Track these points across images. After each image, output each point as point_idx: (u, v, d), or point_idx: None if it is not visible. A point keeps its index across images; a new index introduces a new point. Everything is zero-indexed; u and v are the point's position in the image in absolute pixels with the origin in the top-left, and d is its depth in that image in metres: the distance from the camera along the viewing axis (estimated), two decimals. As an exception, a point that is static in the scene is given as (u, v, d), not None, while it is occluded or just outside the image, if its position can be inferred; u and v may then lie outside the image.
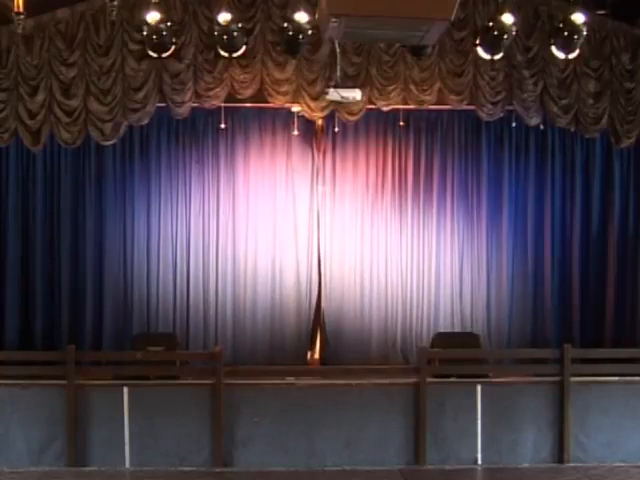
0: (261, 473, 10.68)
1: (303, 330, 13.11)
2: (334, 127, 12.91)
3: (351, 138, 13.24)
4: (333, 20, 7.08)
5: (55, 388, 10.78)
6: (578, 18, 11.08)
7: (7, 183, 12.70)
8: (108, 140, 11.89)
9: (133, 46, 11.63)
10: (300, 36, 11.03)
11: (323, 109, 12.03)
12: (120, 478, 10.61)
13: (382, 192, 13.33)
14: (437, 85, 12.10)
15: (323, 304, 13.15)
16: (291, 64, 11.77)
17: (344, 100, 11.52)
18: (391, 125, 13.22)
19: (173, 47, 11.25)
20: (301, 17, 10.98)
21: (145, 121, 11.97)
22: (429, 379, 11.10)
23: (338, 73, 11.48)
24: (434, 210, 13.33)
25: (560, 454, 11.03)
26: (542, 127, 12.88)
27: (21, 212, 12.73)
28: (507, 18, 11.01)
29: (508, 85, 12.17)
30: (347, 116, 12.14)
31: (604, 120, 12.28)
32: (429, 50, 11.44)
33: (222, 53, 11.33)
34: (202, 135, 13.11)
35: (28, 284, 12.68)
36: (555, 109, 12.23)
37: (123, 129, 11.90)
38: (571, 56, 11.44)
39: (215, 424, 10.78)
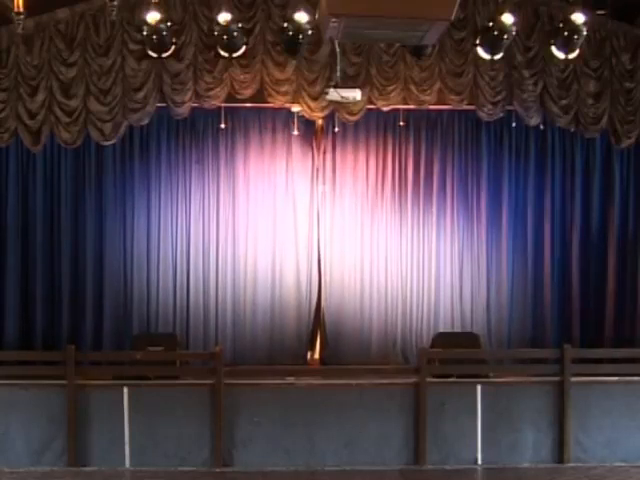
0: (261, 473, 10.68)
1: (303, 330, 13.11)
2: (334, 127, 12.91)
3: (351, 138, 13.23)
4: (333, 20, 7.09)
5: (55, 388, 10.78)
6: (578, 18, 11.08)
7: (7, 183, 12.70)
8: (108, 140, 11.91)
9: (133, 46, 11.64)
10: (300, 36, 11.03)
11: (323, 109, 12.04)
12: (120, 478, 10.61)
13: (382, 192, 13.33)
14: (437, 85, 12.12)
15: (323, 304, 13.16)
16: (291, 64, 11.78)
17: (344, 100, 11.52)
18: (391, 125, 13.22)
19: (173, 47, 11.26)
20: (301, 17, 10.98)
21: (145, 121, 11.99)
22: (429, 379, 11.10)
23: (338, 73, 11.48)
24: (434, 210, 13.33)
25: (560, 454, 11.03)
26: (542, 127, 12.88)
27: (21, 212, 12.72)
28: (507, 18, 11.01)
29: (508, 85, 12.18)
30: (347, 116, 12.15)
31: (604, 120, 12.29)
32: (429, 50, 11.46)
33: (222, 53, 11.33)
34: (202, 135, 13.11)
35: (28, 284, 12.68)
36: (555, 109, 12.23)
37: (123, 129, 11.91)
38: (571, 56, 11.44)
39: (215, 424, 10.78)
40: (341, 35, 7.72)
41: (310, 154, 13.22)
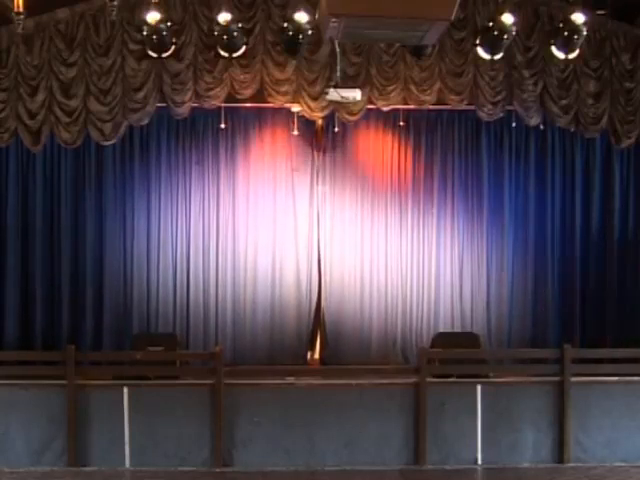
0: (261, 473, 10.68)
1: (303, 330, 13.11)
2: (334, 127, 12.90)
3: (351, 138, 13.24)
4: (333, 20, 7.09)
5: (55, 388, 10.78)
6: (578, 18, 11.09)
7: (7, 183, 12.71)
8: (108, 140, 11.91)
9: (133, 46, 11.65)
10: (300, 36, 11.04)
11: (323, 109, 12.04)
12: (120, 478, 10.61)
13: (382, 192, 13.33)
14: (437, 85, 12.11)
15: (323, 304, 13.16)
16: (291, 64, 11.78)
17: (344, 100, 11.52)
18: (391, 125, 13.22)
19: (173, 47, 11.26)
20: (301, 17, 10.98)
21: (145, 121, 11.99)
22: (429, 379, 11.09)
23: (338, 73, 11.47)
24: (434, 210, 13.33)
25: (560, 454, 11.02)
26: (542, 127, 12.88)
27: (21, 212, 12.73)
28: (507, 18, 11.01)
29: (508, 85, 12.18)
30: (347, 116, 12.15)
31: (604, 120, 12.29)
32: (429, 50, 11.45)
33: (222, 53, 11.34)
34: (202, 135, 13.11)
35: (28, 284, 12.68)
36: (555, 109, 12.23)
37: (123, 129, 11.91)
38: (571, 56, 11.44)
39: (215, 424, 10.78)
40: (341, 35, 7.71)
41: (310, 154, 13.22)
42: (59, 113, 11.65)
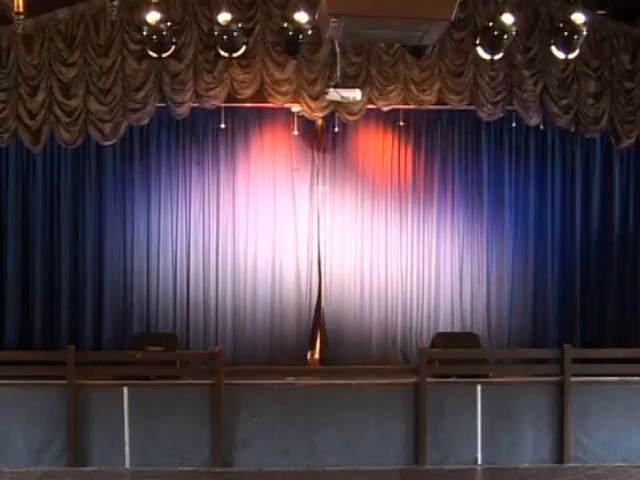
0: (261, 473, 10.68)
1: (303, 330, 13.11)
2: (334, 127, 12.91)
3: (351, 138, 13.24)
4: (333, 20, 7.08)
5: (55, 388, 10.79)
6: (578, 18, 11.09)
7: (7, 183, 12.72)
8: (108, 140, 11.91)
9: (133, 46, 11.65)
10: (300, 36, 11.05)
11: (323, 109, 12.04)
12: (120, 478, 10.61)
13: (382, 192, 13.33)
14: (437, 85, 12.11)
15: (323, 304, 13.16)
16: (291, 64, 11.78)
17: (344, 100, 11.52)
18: (391, 125, 13.22)
19: (173, 47, 11.27)
20: (301, 17, 11.00)
21: (145, 121, 11.99)
22: (429, 379, 11.09)
23: (338, 73, 11.48)
24: (434, 210, 13.33)
25: (560, 454, 11.02)
26: (542, 127, 12.88)
27: (21, 212, 12.74)
28: (507, 18, 11.01)
29: (508, 85, 12.18)
30: (347, 116, 12.15)
31: (604, 120, 12.29)
32: (429, 50, 11.44)
33: (222, 53, 11.35)
34: (202, 135, 13.11)
35: (28, 284, 12.68)
36: (555, 109, 12.23)
37: (123, 129, 11.91)
38: (571, 56, 11.44)
39: (215, 424, 10.78)
40: (341, 35, 7.70)
41: (310, 154, 13.22)
42: (59, 113, 11.65)
